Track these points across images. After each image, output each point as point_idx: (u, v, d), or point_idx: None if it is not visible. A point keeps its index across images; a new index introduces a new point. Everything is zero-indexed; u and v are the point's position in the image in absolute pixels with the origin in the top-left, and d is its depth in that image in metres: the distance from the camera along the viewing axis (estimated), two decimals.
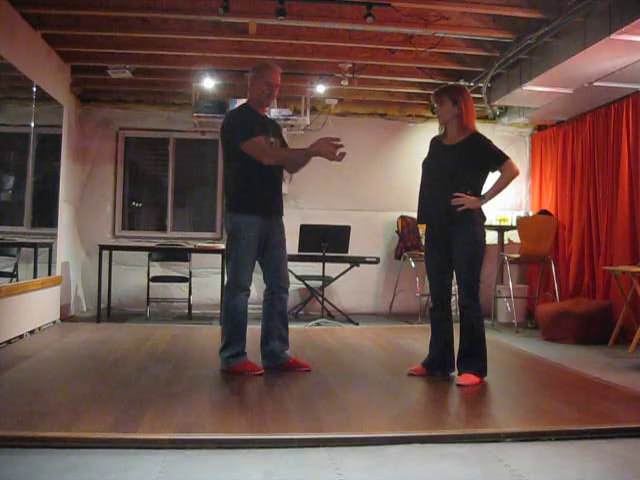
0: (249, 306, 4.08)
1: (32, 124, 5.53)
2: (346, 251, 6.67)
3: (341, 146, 3.83)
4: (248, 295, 4.03)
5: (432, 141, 4.11)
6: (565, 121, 7.20)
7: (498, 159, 3.86)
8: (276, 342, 4.07)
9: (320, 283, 6.93)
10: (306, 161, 4.11)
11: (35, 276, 5.70)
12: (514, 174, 3.86)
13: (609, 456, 2.64)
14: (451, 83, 6.03)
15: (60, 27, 5.58)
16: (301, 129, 7.38)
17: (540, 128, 7.87)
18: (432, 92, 4.17)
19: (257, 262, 4.07)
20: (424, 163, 4.06)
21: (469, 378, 3.77)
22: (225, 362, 3.98)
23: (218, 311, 6.39)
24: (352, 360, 4.67)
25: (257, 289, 4.25)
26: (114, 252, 6.71)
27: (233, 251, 3.99)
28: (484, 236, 3.95)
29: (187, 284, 7.17)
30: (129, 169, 7.75)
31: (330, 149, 3.82)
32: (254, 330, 4.13)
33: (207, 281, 7.15)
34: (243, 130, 3.91)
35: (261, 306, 4.15)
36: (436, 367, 3.98)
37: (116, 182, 7.58)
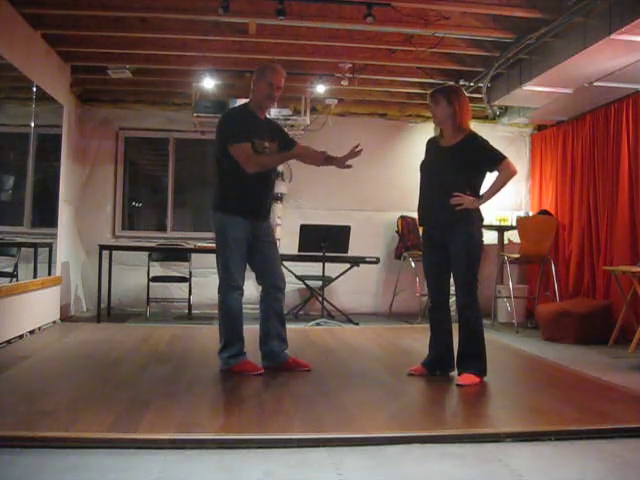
0: (248, 306, 4.07)
1: (32, 124, 5.53)
2: (346, 251, 6.67)
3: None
4: (242, 294, 4.01)
5: (428, 143, 4.10)
6: (565, 121, 7.21)
7: (495, 159, 3.86)
8: (275, 342, 4.05)
9: (320, 283, 6.94)
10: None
11: (35, 276, 5.70)
12: (511, 174, 3.86)
13: (609, 456, 2.64)
14: (450, 83, 6.03)
15: (60, 27, 5.58)
16: (301, 129, 7.38)
17: (540, 128, 7.87)
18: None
19: (247, 265, 4.06)
20: (421, 165, 4.06)
21: (469, 378, 3.77)
22: (225, 362, 3.97)
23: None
24: (352, 360, 4.66)
25: (255, 288, 4.24)
26: (114, 252, 6.71)
27: (222, 251, 3.97)
28: (482, 236, 3.95)
29: (187, 284, 7.17)
30: (129, 169, 7.76)
31: (311, 152, 4.00)
32: (253, 330, 4.13)
33: (207, 281, 7.14)
34: (235, 133, 3.91)
35: (258, 306, 4.14)
36: (436, 367, 3.98)
37: (116, 182, 7.58)
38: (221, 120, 4.09)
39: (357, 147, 4.01)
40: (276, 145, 4.08)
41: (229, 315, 3.98)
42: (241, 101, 6.80)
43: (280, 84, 4.03)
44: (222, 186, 4.04)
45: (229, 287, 3.95)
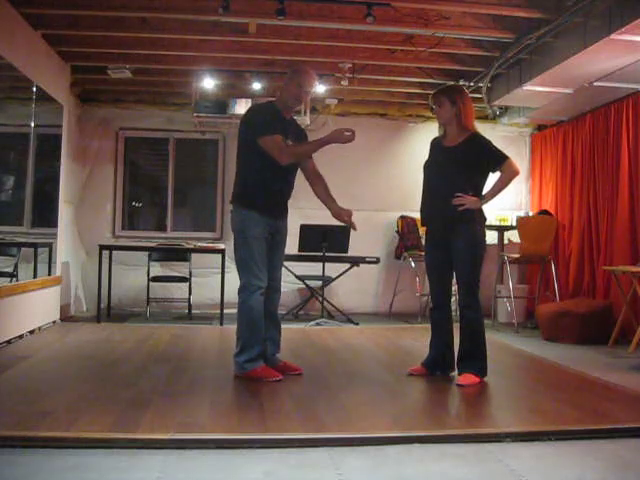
0: None
1: (32, 124, 5.53)
2: (346, 251, 6.67)
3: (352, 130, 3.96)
4: (263, 294, 3.84)
5: (432, 142, 4.11)
6: (565, 121, 7.21)
7: (498, 159, 3.87)
8: (267, 345, 3.96)
9: (320, 283, 6.93)
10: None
11: (35, 276, 5.69)
12: (514, 174, 3.87)
13: (609, 456, 2.64)
14: (450, 83, 6.03)
15: (60, 27, 5.57)
16: None
17: (540, 128, 7.87)
18: (432, 92, 4.16)
19: None
20: (425, 165, 4.06)
21: (469, 378, 3.78)
22: (240, 367, 3.83)
23: (218, 311, 6.40)
24: (352, 360, 4.67)
25: None
26: (114, 252, 6.72)
27: (243, 250, 3.84)
28: (484, 237, 3.96)
29: (187, 284, 7.16)
30: (129, 169, 7.75)
31: (342, 135, 3.97)
32: None
33: (207, 281, 7.14)
34: (264, 126, 3.81)
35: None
36: (436, 367, 3.98)
37: (116, 182, 7.58)
38: (248, 114, 4.01)
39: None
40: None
41: (249, 317, 3.80)
42: (241, 101, 6.81)
43: (310, 88, 3.98)
44: (245, 182, 3.92)
45: (251, 287, 3.79)
